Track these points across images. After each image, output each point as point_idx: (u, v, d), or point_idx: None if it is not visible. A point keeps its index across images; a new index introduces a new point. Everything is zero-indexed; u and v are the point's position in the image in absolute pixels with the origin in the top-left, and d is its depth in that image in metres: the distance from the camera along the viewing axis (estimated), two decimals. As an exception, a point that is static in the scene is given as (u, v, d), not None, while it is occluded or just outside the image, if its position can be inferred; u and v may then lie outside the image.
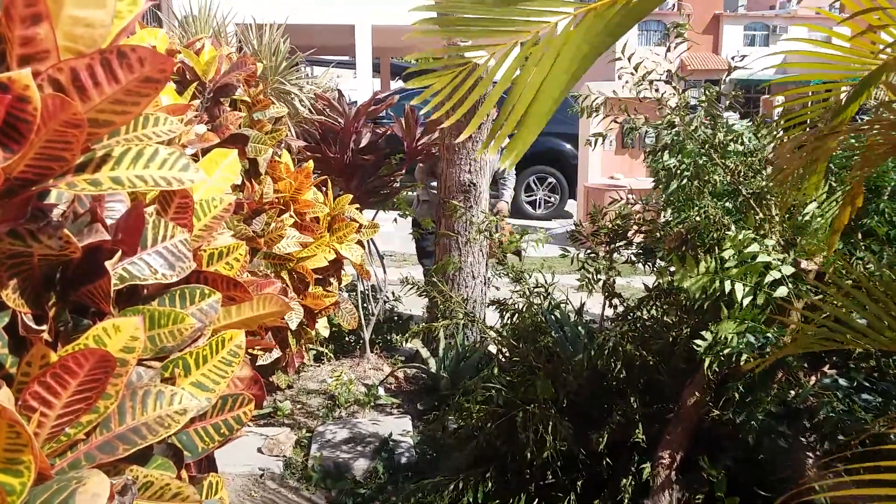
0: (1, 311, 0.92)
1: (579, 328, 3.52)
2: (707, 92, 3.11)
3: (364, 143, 4.64)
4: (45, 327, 0.94)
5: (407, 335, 5.19)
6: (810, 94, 2.46)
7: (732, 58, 3.16)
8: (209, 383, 1.16)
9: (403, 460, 3.73)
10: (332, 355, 5.05)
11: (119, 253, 0.96)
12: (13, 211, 0.79)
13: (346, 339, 5.25)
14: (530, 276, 3.77)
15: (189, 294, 1.18)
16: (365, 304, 5.21)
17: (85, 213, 0.98)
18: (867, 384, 2.50)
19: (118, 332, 0.96)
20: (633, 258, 3.61)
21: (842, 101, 2.06)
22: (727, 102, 3.20)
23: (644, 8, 1.29)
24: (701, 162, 3.03)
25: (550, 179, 11.11)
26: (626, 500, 2.71)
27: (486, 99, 1.62)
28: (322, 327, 3.80)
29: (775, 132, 3.07)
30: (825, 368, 2.73)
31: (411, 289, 4.09)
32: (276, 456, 3.77)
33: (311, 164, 3.48)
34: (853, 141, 2.76)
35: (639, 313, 3.38)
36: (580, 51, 1.30)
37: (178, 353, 1.15)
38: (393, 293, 5.46)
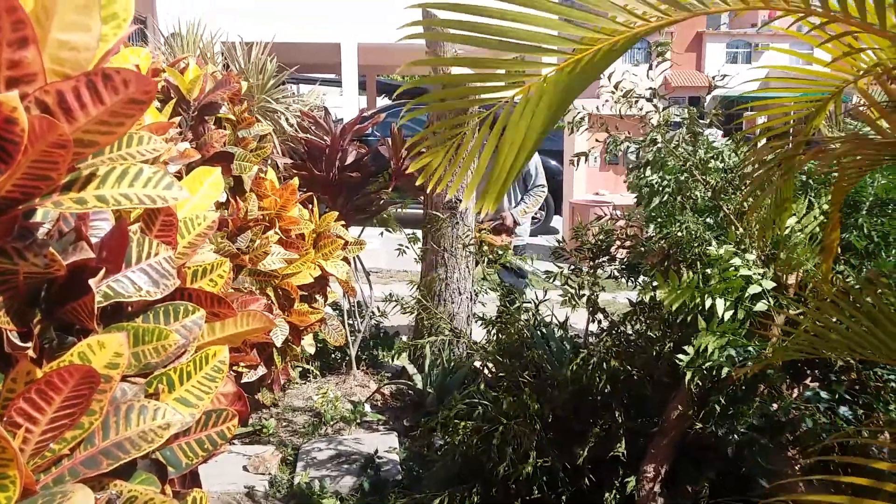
0: (-14, 329, 0.93)
1: (564, 343, 3.55)
2: (689, 109, 3.16)
3: (350, 160, 4.66)
4: (30, 344, 0.96)
5: (393, 352, 5.21)
6: (792, 103, 2.50)
7: (714, 77, 3.21)
8: (193, 399, 1.17)
9: (390, 477, 3.72)
10: (317, 372, 5.05)
11: (103, 271, 0.98)
12: (0, 229, 0.80)
13: (332, 355, 5.24)
14: (521, 293, 3.81)
15: (173, 311, 1.20)
16: (351, 321, 5.21)
17: (70, 232, 1.00)
18: (848, 396, 2.54)
19: (102, 348, 0.97)
20: (617, 274, 3.65)
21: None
22: (709, 119, 3.25)
23: (591, 75, 1.34)
24: (682, 178, 3.07)
25: (537, 196, 11.19)
26: (611, 514, 2.73)
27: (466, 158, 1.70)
28: (308, 344, 3.80)
29: (755, 150, 3.12)
30: (807, 381, 2.76)
31: (396, 305, 4.11)
32: (262, 474, 3.76)
33: (296, 180, 3.49)
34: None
35: (623, 328, 3.41)
36: (546, 108, 1.35)
37: (162, 369, 1.16)
38: (379, 309, 5.47)
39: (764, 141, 2.95)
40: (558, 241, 3.90)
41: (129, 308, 1.21)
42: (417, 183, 1.69)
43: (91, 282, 0.93)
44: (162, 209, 1.24)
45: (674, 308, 2.52)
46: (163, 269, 1.16)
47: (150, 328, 1.11)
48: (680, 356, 2.51)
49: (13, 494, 0.80)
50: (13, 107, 0.71)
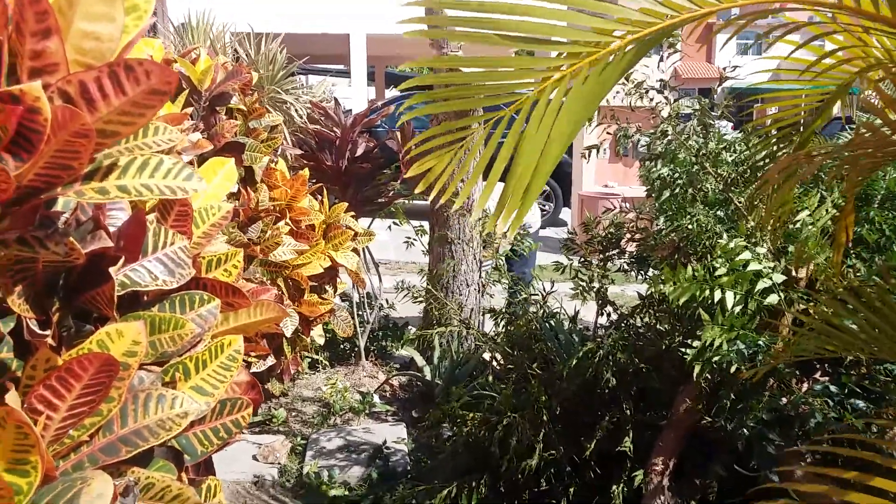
0: (6, 316, 0.94)
1: (573, 336, 3.55)
2: (700, 101, 3.15)
3: (360, 151, 4.67)
4: (49, 332, 0.97)
5: (402, 342, 5.23)
6: (804, 95, 2.49)
7: (724, 68, 3.20)
8: (208, 387, 1.18)
9: (398, 468, 3.74)
10: (326, 363, 5.07)
11: (122, 259, 0.98)
12: (22, 218, 0.81)
13: (341, 346, 5.26)
14: (527, 285, 3.81)
15: (189, 300, 1.21)
16: (360, 312, 5.22)
17: (88, 221, 1.00)
18: (858, 390, 2.53)
19: (121, 336, 0.98)
20: (626, 267, 3.64)
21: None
22: (720, 112, 3.24)
23: (632, 60, 1.29)
24: (693, 170, 3.06)
25: (545, 188, 11.18)
26: (619, 506, 2.74)
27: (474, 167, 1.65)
28: (317, 335, 3.81)
29: (766, 141, 3.11)
30: (817, 375, 2.75)
31: (406, 296, 4.12)
32: (272, 463, 3.78)
33: (306, 171, 3.50)
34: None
35: (632, 321, 3.41)
36: (571, 114, 1.29)
37: (178, 357, 1.17)
38: (387, 301, 5.49)
39: (774, 132, 2.94)
40: (569, 234, 3.90)
41: (145, 297, 1.22)
42: (417, 190, 1.64)
43: (111, 270, 0.94)
44: (178, 199, 1.24)
45: (681, 302, 2.52)
46: (178, 258, 1.16)
47: (166, 317, 1.12)
48: (686, 350, 2.51)
49: (34, 480, 0.81)
50: (36, 96, 0.72)
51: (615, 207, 3.73)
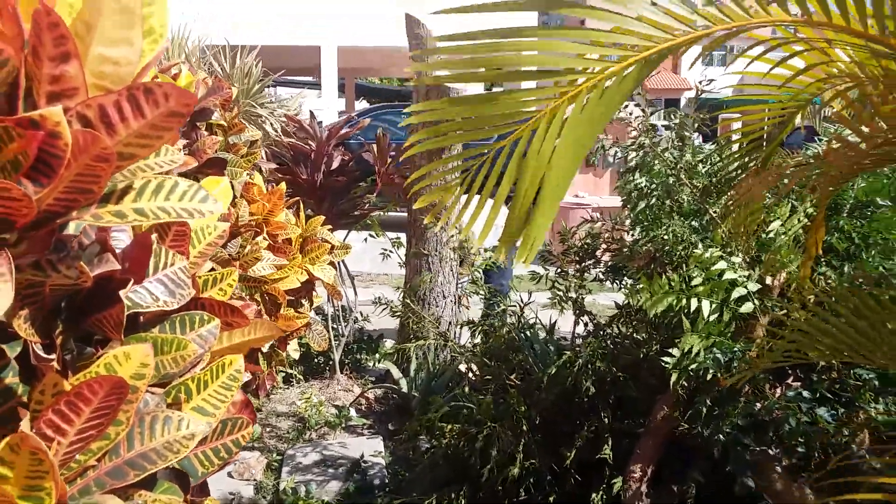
0: (13, 341, 0.93)
1: (550, 346, 3.58)
2: (677, 115, 3.21)
3: (335, 165, 4.66)
4: (54, 356, 0.96)
5: (378, 355, 5.21)
6: (767, 110, 2.55)
7: (700, 81, 3.26)
8: (210, 408, 1.17)
9: (376, 481, 3.73)
10: (301, 377, 5.03)
11: (131, 282, 0.98)
12: (39, 243, 0.80)
13: (315, 360, 5.23)
14: (505, 296, 3.84)
15: (189, 320, 1.20)
16: (334, 325, 5.20)
17: (93, 244, 1.00)
18: (830, 395, 2.59)
19: (128, 359, 0.97)
20: (602, 276, 3.69)
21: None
22: (695, 125, 3.30)
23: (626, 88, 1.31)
24: (670, 182, 3.12)
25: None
26: (599, 515, 2.76)
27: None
28: (292, 349, 3.78)
29: (737, 153, 3.18)
30: (790, 381, 2.81)
31: (384, 309, 4.11)
32: (247, 480, 3.74)
33: (283, 185, 3.48)
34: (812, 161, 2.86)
35: (609, 330, 3.44)
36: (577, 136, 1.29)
37: (180, 378, 1.16)
38: (362, 313, 5.47)
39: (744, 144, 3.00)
40: (545, 245, 3.93)
41: (141, 318, 1.21)
42: (426, 222, 1.64)
43: (121, 293, 0.93)
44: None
45: (659, 311, 2.56)
46: (178, 279, 1.16)
47: (168, 338, 1.11)
48: (666, 359, 2.55)
49: (50, 507, 0.80)
50: (57, 121, 0.71)
51: (588, 217, 3.77)
